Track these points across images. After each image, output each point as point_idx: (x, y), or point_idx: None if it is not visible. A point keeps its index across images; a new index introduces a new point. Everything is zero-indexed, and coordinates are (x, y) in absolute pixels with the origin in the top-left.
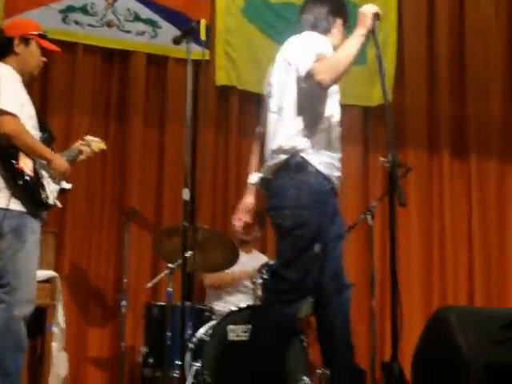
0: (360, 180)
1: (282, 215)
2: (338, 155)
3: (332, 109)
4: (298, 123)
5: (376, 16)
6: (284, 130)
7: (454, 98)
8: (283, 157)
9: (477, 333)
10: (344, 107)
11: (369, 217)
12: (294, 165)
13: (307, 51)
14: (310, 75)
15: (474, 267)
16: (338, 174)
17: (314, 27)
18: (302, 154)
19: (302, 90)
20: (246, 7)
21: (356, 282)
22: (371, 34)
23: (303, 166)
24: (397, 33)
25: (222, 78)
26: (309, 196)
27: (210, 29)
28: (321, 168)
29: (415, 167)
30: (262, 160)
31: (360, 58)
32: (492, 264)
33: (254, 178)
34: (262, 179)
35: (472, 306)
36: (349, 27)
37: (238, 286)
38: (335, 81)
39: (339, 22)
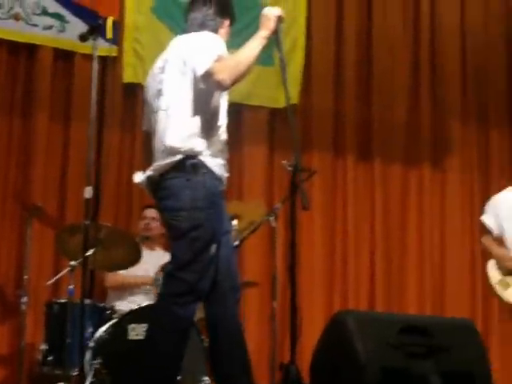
0: (265, 181)
1: (178, 217)
2: (226, 157)
3: (223, 113)
4: (194, 124)
5: (279, 19)
6: (177, 129)
7: (360, 102)
8: (178, 157)
9: (374, 337)
10: (251, 108)
11: (272, 218)
12: (190, 166)
13: (206, 51)
14: (209, 75)
15: (375, 271)
16: (226, 175)
17: (201, 27)
18: (198, 156)
19: (199, 90)
20: (155, 5)
21: (259, 283)
22: (274, 36)
23: (199, 167)
24: (306, 37)
25: (129, 76)
26: (205, 198)
27: (119, 25)
28: (215, 170)
29: (320, 170)
30: (148, 159)
31: (267, 59)
32: (393, 269)
33: (138, 177)
34: (149, 178)
35: (371, 310)
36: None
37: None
38: (235, 81)
39: (226, 22)
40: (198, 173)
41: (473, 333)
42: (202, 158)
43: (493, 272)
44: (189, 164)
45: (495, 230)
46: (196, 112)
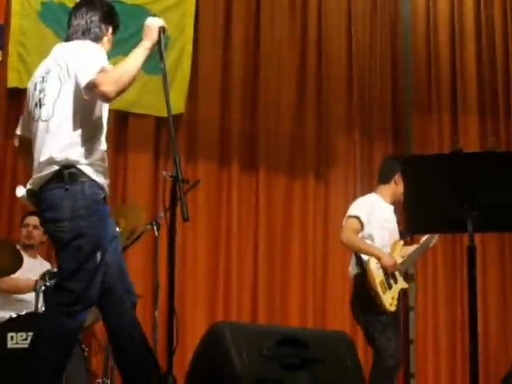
0: (150, 190)
1: (60, 227)
2: (107, 164)
3: (104, 122)
4: (74, 134)
5: (162, 29)
6: (55, 140)
7: (245, 112)
8: (55, 168)
9: (250, 348)
10: (136, 116)
11: (155, 227)
12: (66, 175)
13: (89, 62)
14: (92, 86)
15: (258, 283)
16: (108, 181)
17: (85, 34)
18: (76, 165)
19: (82, 101)
20: (42, 10)
21: (142, 292)
22: (157, 46)
23: (77, 175)
24: (193, 46)
25: (13, 80)
26: (85, 206)
27: (4, 30)
28: (95, 177)
29: (205, 179)
30: (29, 163)
31: (153, 68)
32: (276, 280)
33: (20, 191)
34: (29, 191)
35: (253, 322)
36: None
37: (23, 297)
38: (119, 92)
39: (110, 29)
40: (76, 182)
41: (347, 345)
42: (79, 166)
43: (376, 271)
44: (66, 173)
45: (366, 229)
46: (77, 122)
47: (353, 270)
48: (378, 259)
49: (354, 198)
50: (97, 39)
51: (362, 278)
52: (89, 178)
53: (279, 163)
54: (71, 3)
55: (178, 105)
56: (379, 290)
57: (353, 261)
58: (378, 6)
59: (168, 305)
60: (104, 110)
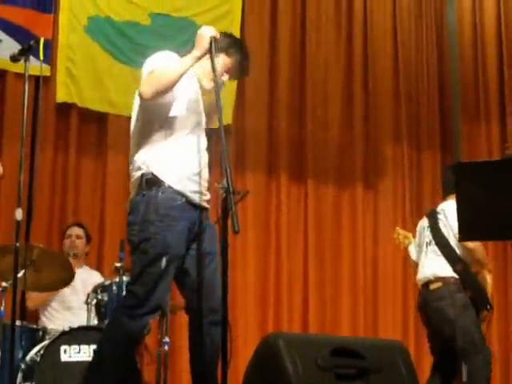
0: None
1: (132, 231)
2: (196, 170)
3: (185, 125)
4: (147, 140)
5: (213, 39)
6: (137, 147)
7: (293, 122)
8: (138, 173)
9: (304, 359)
10: None
11: None
12: (144, 182)
13: (145, 70)
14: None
15: (309, 293)
16: (195, 188)
17: None
18: (151, 170)
19: (146, 106)
20: (89, 25)
21: None
22: (209, 56)
23: (153, 182)
24: None
25: (62, 95)
26: (155, 211)
27: (52, 45)
28: (171, 183)
29: (254, 189)
30: None
31: None
32: (327, 290)
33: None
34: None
35: (304, 332)
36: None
37: (71, 305)
38: (156, 93)
39: None
40: (152, 187)
41: (402, 354)
42: (156, 172)
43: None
44: (144, 180)
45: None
46: (153, 127)
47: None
48: None
49: (403, 207)
50: None
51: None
52: (165, 184)
53: (327, 173)
54: (118, 17)
55: (226, 115)
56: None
57: (440, 265)
58: (424, 13)
59: (222, 319)
60: (182, 114)
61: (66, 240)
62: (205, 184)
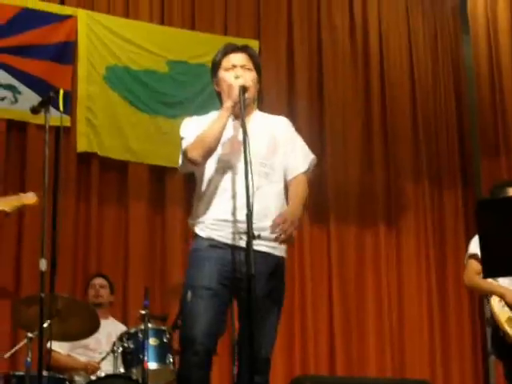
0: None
1: None
2: (223, 213)
3: (210, 175)
4: (194, 199)
5: (242, 89)
6: None
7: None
8: None
9: None
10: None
11: None
12: (193, 237)
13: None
14: (183, 154)
15: (334, 334)
16: (225, 230)
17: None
18: (193, 227)
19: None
20: (107, 74)
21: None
22: (239, 105)
23: (195, 236)
24: (257, 100)
25: (82, 145)
26: (189, 259)
27: (71, 95)
28: (200, 232)
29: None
30: None
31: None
32: (352, 330)
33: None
34: None
35: (331, 374)
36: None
37: (94, 356)
38: (205, 155)
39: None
40: (193, 240)
41: None
42: (194, 228)
43: (500, 309)
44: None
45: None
46: (196, 188)
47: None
48: (501, 297)
49: (426, 244)
50: None
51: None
52: (198, 235)
53: (349, 212)
54: (136, 66)
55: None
56: (506, 328)
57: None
58: (440, 50)
59: (249, 358)
60: (204, 171)
61: (91, 290)
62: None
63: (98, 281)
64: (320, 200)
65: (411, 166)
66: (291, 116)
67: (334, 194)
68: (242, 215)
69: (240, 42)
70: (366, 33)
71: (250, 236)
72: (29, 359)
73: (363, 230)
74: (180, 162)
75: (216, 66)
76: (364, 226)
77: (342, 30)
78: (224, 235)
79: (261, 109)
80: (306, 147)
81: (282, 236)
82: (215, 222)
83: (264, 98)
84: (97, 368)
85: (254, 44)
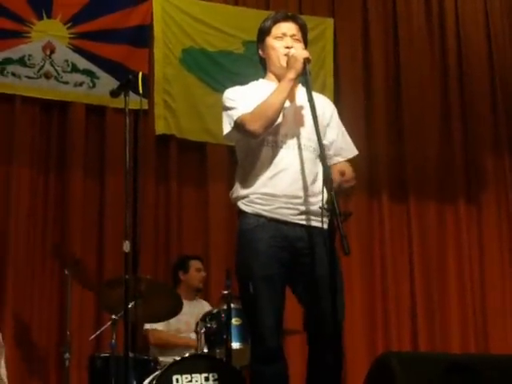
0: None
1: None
2: (277, 191)
3: (257, 148)
4: (238, 172)
5: (307, 60)
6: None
7: (391, 141)
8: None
9: (420, 378)
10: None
11: None
12: (237, 213)
13: (225, 108)
14: (239, 125)
15: (416, 310)
16: (275, 204)
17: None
18: (238, 202)
19: (238, 141)
20: (183, 57)
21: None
22: (303, 77)
23: (240, 212)
24: (334, 78)
25: (161, 127)
26: (238, 240)
27: (148, 78)
28: (246, 208)
29: (355, 211)
30: None
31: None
32: (434, 307)
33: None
34: None
35: (415, 350)
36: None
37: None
38: (266, 127)
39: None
40: (240, 218)
41: None
42: (239, 202)
43: None
44: (237, 212)
45: None
46: (240, 161)
47: None
48: None
49: (509, 220)
50: None
51: None
52: (244, 211)
53: (429, 189)
54: (211, 47)
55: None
56: None
57: None
58: None
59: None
60: (251, 143)
61: (196, 273)
62: (296, 200)
63: (199, 264)
64: (399, 178)
65: (491, 140)
66: (368, 94)
67: (413, 171)
68: (292, 190)
69: (315, 20)
70: (442, 8)
71: (339, 214)
72: (113, 341)
73: (443, 206)
74: (227, 130)
75: (264, 32)
76: (444, 202)
77: (417, 3)
78: (273, 210)
79: (337, 87)
80: (349, 139)
81: (346, 185)
82: (261, 196)
83: (340, 76)
84: (196, 346)
85: (329, 22)
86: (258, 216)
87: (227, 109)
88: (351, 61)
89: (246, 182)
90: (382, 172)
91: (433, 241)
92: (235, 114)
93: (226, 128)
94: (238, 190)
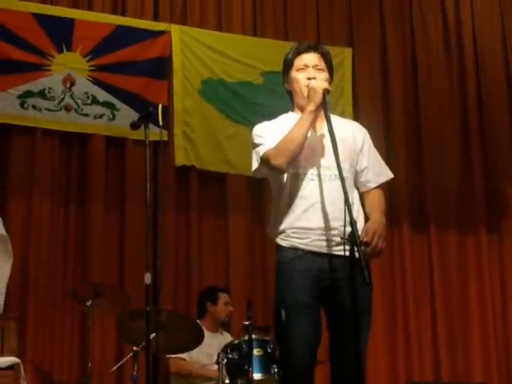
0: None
1: None
2: (312, 224)
3: (289, 182)
4: (273, 208)
5: (326, 91)
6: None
7: (411, 171)
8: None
9: None
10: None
11: None
12: (276, 248)
13: (254, 146)
14: (264, 161)
15: (438, 339)
16: (311, 237)
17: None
18: (275, 238)
19: (269, 177)
20: (203, 88)
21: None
22: (322, 108)
23: (278, 247)
24: (353, 107)
25: (180, 158)
26: (276, 272)
27: (168, 110)
28: (282, 242)
29: None
30: None
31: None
32: (456, 335)
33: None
34: None
35: (437, 379)
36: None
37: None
38: (289, 161)
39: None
40: (276, 252)
41: None
42: (276, 239)
43: None
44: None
45: None
46: (274, 196)
47: None
48: None
49: None
50: None
51: None
52: (280, 245)
53: (449, 217)
54: (230, 78)
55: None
56: None
57: None
58: None
59: (356, 368)
60: (282, 178)
61: (224, 306)
62: (331, 232)
63: (227, 298)
64: (420, 206)
65: (511, 168)
66: (387, 121)
67: (433, 199)
68: (326, 222)
69: (333, 50)
70: (460, 34)
71: (360, 244)
72: (135, 373)
73: (464, 235)
74: (255, 166)
75: (288, 64)
76: (465, 231)
77: (435, 31)
78: (308, 243)
79: (356, 114)
80: (383, 162)
81: (375, 250)
82: (297, 230)
83: (359, 105)
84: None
85: (348, 52)
86: (295, 249)
87: (255, 146)
88: (370, 89)
89: (281, 218)
90: (402, 201)
91: (454, 269)
92: (261, 151)
93: (254, 164)
94: (274, 226)
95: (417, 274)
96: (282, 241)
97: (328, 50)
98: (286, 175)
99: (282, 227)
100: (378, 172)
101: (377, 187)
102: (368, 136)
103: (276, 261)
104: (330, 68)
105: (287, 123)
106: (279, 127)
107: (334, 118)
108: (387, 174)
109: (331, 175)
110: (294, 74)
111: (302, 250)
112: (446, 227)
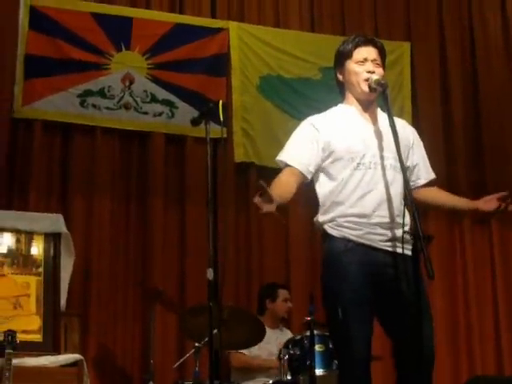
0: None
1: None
2: (366, 212)
3: (345, 171)
4: (321, 197)
5: (386, 86)
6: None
7: (471, 165)
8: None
9: None
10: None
11: None
12: (322, 236)
13: None
14: None
15: (500, 333)
16: (367, 229)
17: None
18: (323, 226)
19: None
20: (261, 84)
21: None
22: (383, 102)
23: (326, 235)
24: (412, 102)
25: (240, 155)
26: (325, 264)
27: (227, 107)
28: (332, 232)
29: (437, 235)
30: None
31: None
32: None
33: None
34: None
35: (500, 374)
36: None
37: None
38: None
39: None
40: (325, 241)
41: None
42: (324, 226)
43: None
44: (321, 234)
45: None
46: (322, 184)
47: None
48: None
49: None
50: None
51: None
52: (330, 234)
53: (511, 213)
54: (288, 74)
55: None
56: None
57: None
58: None
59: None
60: (337, 165)
61: (284, 303)
62: (384, 225)
63: (287, 294)
64: None
65: None
66: (446, 117)
67: (494, 193)
68: (380, 210)
69: (391, 44)
70: None
71: (422, 238)
72: (197, 369)
73: None
74: (278, 157)
75: (345, 56)
76: None
77: (494, 25)
78: (361, 235)
79: (415, 110)
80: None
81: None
82: (351, 219)
83: (418, 99)
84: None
85: (406, 46)
86: (347, 240)
87: (290, 138)
88: (429, 83)
89: (332, 206)
90: (462, 196)
91: None
92: (282, 154)
93: (280, 155)
94: (324, 214)
95: (478, 269)
96: (331, 229)
97: (383, 45)
98: (337, 164)
99: (331, 215)
100: (427, 170)
101: (425, 185)
102: (417, 134)
103: (324, 251)
104: (384, 64)
105: (340, 116)
106: (330, 121)
107: (381, 114)
108: (432, 174)
109: (392, 165)
110: (353, 66)
111: (354, 241)
112: (508, 222)
